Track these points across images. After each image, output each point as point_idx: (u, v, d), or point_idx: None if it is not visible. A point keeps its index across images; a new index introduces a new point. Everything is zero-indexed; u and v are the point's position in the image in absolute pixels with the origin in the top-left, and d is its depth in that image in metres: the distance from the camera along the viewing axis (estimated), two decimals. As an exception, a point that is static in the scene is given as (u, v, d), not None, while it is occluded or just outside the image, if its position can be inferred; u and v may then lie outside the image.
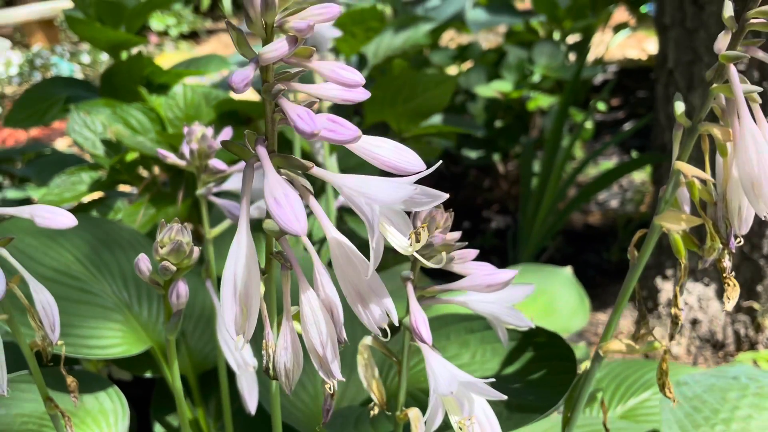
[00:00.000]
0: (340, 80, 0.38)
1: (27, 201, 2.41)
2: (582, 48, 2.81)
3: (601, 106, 2.90)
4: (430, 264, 0.48)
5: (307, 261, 0.45)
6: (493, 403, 0.59)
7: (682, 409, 0.78)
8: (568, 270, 1.35)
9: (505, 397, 0.50)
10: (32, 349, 0.63)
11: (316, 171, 0.41)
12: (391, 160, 0.41)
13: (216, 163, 0.70)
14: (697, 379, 0.83)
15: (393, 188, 0.38)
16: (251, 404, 0.75)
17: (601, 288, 1.91)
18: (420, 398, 0.75)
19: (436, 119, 1.63)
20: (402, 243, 0.40)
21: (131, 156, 1.20)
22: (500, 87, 2.25)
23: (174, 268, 0.51)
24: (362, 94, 0.41)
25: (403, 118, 1.43)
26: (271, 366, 0.46)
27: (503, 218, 2.44)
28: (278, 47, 0.37)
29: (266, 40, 0.39)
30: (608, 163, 2.69)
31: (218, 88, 1.38)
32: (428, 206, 0.40)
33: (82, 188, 1.19)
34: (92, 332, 0.89)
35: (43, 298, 0.59)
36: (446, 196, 0.40)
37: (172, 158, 0.71)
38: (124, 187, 1.42)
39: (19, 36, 6.18)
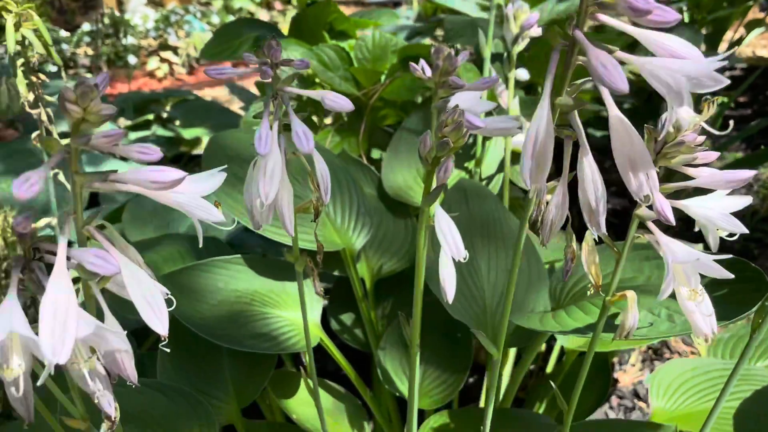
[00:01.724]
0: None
1: (175, 139, 2.65)
2: (714, 40, 2.77)
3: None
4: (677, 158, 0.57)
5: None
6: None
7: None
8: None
9: (732, 276, 0.58)
10: (296, 212, 0.76)
11: (619, 54, 0.50)
12: (679, 51, 0.50)
13: (455, 79, 0.80)
14: None
15: (695, 64, 0.47)
16: (449, 294, 0.85)
17: (720, 274, 1.92)
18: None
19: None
20: (690, 114, 0.49)
21: (318, 89, 1.34)
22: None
23: (452, 144, 0.62)
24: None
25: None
26: (540, 218, 0.56)
27: (620, 200, 2.46)
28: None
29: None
30: (733, 154, 2.66)
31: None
32: (712, 89, 0.49)
33: (273, 114, 1.33)
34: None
35: (322, 167, 0.71)
36: (727, 81, 0.49)
37: (418, 72, 0.82)
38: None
39: (151, -4, 6.58)
